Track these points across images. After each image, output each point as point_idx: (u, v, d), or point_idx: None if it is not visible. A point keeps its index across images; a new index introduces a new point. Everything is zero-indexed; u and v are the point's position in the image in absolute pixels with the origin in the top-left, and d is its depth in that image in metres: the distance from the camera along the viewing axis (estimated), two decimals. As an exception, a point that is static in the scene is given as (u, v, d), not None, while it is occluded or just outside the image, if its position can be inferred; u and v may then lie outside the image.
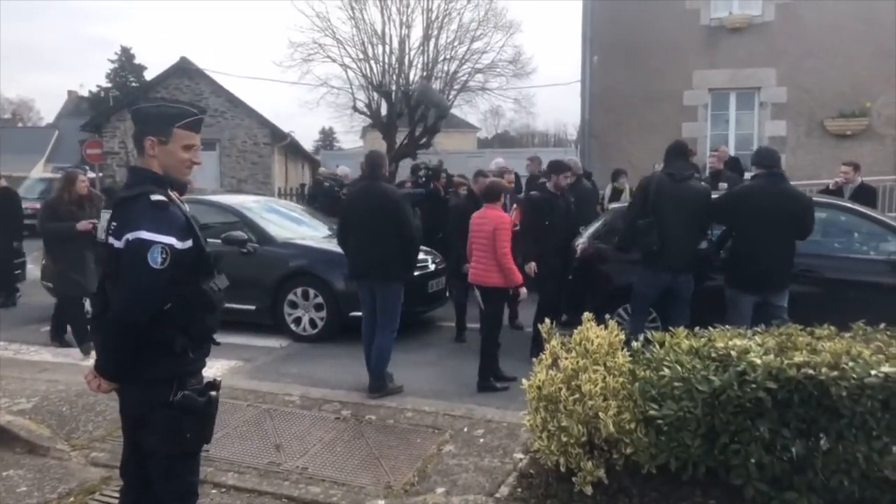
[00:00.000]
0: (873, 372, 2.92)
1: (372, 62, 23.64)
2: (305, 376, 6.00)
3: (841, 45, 13.36)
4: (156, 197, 2.35)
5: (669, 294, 5.59)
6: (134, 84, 40.33)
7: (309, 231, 8.45)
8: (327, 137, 51.20)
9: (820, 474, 2.96)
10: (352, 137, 37.37)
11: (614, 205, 8.44)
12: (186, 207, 2.53)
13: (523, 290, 5.65)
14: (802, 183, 12.33)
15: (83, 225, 6.41)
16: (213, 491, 3.78)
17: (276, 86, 75.11)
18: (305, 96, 70.21)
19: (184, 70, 22.74)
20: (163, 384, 2.40)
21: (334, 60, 24.11)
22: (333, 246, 6.96)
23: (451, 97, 24.48)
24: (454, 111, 27.73)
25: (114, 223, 2.38)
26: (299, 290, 7.35)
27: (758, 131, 14.42)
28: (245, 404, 5.01)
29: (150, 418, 2.40)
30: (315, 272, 7.31)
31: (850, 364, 3.02)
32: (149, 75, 36.53)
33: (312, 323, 7.33)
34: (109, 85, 42.68)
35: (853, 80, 13.40)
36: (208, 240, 2.65)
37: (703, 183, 5.90)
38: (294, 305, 7.39)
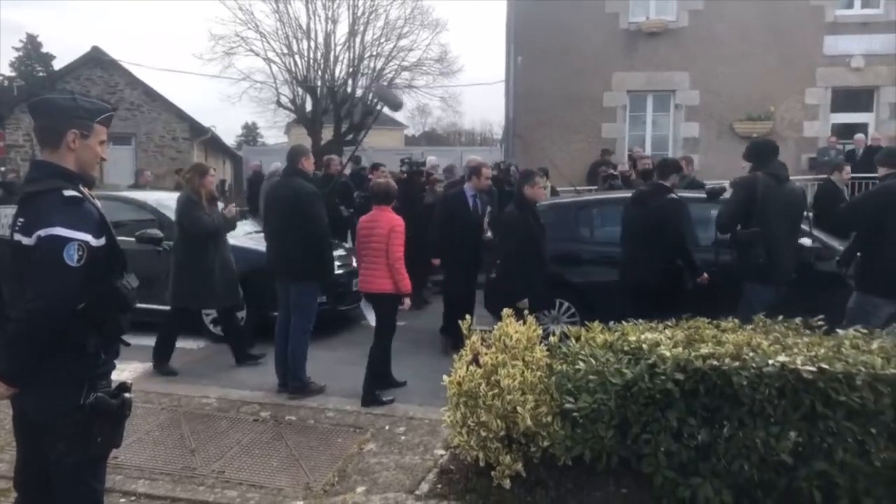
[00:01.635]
0: (770, 361, 3.08)
1: (297, 57, 23.27)
2: (224, 378, 5.84)
3: (748, 51, 14.06)
4: (69, 192, 2.27)
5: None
6: (41, 74, 38.17)
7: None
8: (250, 132, 49.93)
9: (723, 460, 3.10)
10: (275, 133, 36.57)
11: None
12: (98, 203, 2.43)
13: (407, 301, 5.31)
14: (714, 182, 12.91)
15: None
16: (122, 500, 3.62)
17: (197, 79, 72.77)
18: (227, 90, 68.27)
19: (96, 60, 21.69)
20: (73, 387, 2.31)
21: (257, 54, 23.61)
22: (256, 244, 6.80)
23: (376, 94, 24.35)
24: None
25: (21, 219, 2.27)
26: (217, 290, 7.13)
27: (673, 133, 15.00)
28: (159, 408, 4.84)
29: (57, 423, 2.31)
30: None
31: (751, 354, 3.18)
32: (57, 65, 34.65)
33: (231, 323, 7.12)
34: (13, 74, 40.23)
35: (759, 85, 14.12)
36: (122, 238, 2.57)
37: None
38: (212, 305, 7.16)
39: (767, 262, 4.93)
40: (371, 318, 5.41)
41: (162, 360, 5.99)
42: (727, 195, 6.29)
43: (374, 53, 23.90)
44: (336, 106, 23.07)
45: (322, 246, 5.29)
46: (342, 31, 24.42)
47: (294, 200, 5.19)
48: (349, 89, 23.70)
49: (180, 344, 6.91)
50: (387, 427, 4.52)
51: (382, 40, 23.89)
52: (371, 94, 22.37)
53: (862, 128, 14.02)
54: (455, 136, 49.97)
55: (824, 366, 3.01)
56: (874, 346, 3.23)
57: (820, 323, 3.70)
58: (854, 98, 14.47)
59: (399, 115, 37.52)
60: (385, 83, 22.13)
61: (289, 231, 5.18)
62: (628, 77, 14.86)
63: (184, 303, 6.04)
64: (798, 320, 3.78)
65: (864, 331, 3.51)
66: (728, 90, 14.28)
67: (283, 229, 5.22)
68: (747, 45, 14.06)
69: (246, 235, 7.86)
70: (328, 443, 4.32)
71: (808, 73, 14.22)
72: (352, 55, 23.36)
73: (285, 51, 23.21)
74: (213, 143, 24.94)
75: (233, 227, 6.30)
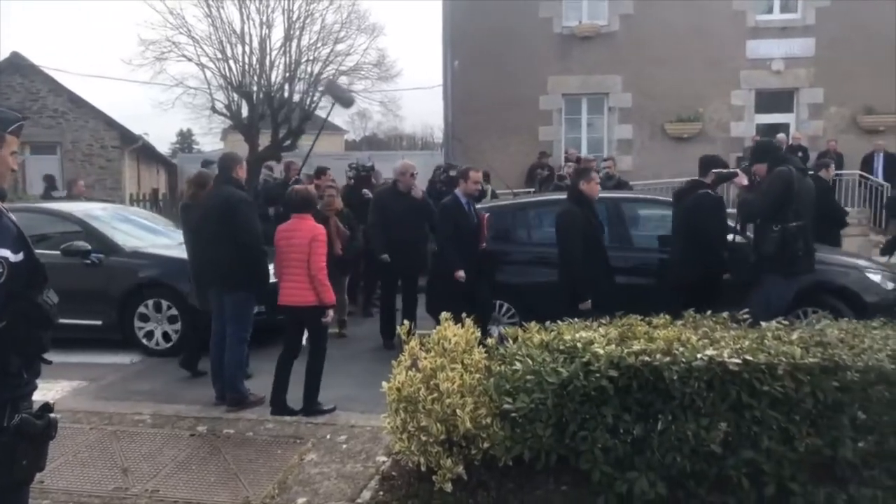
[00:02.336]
0: (699, 356, 3.17)
1: (231, 62, 22.80)
2: (159, 393, 5.67)
3: (677, 54, 14.52)
4: None
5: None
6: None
7: (164, 240, 7.98)
8: (185, 140, 48.66)
9: (656, 453, 3.18)
10: (211, 139, 35.71)
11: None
12: (13, 216, 2.32)
13: (330, 312, 5.10)
14: (648, 182, 13.33)
15: None
16: (49, 525, 3.47)
17: (127, 86, 70.25)
18: (160, 97, 66.25)
19: (16, 66, 20.74)
20: None
21: (190, 59, 23.02)
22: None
23: (315, 98, 24.10)
24: (319, 113, 27.32)
25: None
26: (151, 302, 6.92)
27: (607, 135, 15.36)
28: (88, 427, 4.65)
29: None
30: (168, 282, 6.91)
31: (681, 349, 3.27)
32: (-26, 71, 32.94)
33: (166, 336, 6.93)
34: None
35: (688, 87, 14.61)
36: (46, 251, 2.46)
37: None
38: (145, 318, 6.95)
39: (805, 255, 5.00)
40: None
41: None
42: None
43: (311, 58, 23.65)
44: (273, 111, 22.71)
45: (255, 255, 5.18)
46: (278, 35, 24.01)
47: (226, 209, 5.08)
48: (286, 94, 23.38)
49: (112, 359, 6.70)
50: (328, 436, 4.47)
51: (319, 45, 23.67)
52: (321, 92, 22.12)
53: (784, 128, 14.67)
54: (396, 140, 49.89)
55: (748, 357, 3.13)
56: (794, 336, 3.37)
57: (745, 316, 3.84)
58: (776, 99, 15.13)
59: (339, 120, 37.27)
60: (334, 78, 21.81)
61: (221, 240, 5.06)
62: (563, 80, 15.15)
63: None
64: (725, 314, 3.91)
65: (786, 322, 3.66)
66: (659, 92, 14.72)
67: (215, 238, 5.10)
68: (676, 48, 14.53)
69: (179, 245, 7.66)
70: (268, 455, 4.24)
71: (733, 76, 14.80)
72: (288, 60, 23.05)
73: (219, 56, 22.72)
74: (145, 152, 24.19)
75: None
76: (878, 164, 13.42)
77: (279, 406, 4.97)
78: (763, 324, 3.68)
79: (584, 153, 14.82)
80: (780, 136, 14.21)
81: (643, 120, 14.99)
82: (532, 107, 15.12)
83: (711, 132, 14.88)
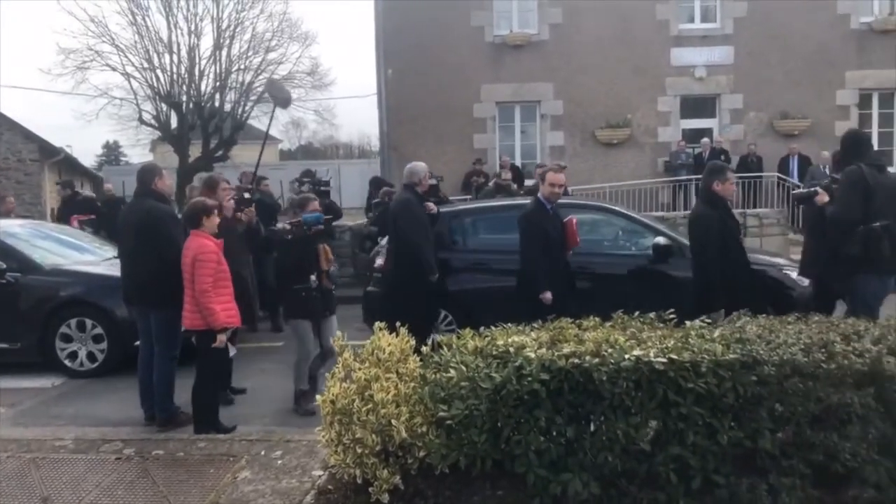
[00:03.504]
0: (627, 356, 3.24)
1: (158, 71, 22.23)
2: (83, 416, 5.44)
3: (605, 62, 14.93)
4: None
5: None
6: None
7: (88, 256, 7.68)
8: (112, 152, 46.98)
9: (589, 454, 3.23)
10: (140, 151, 34.68)
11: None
12: None
13: (220, 337, 4.75)
14: (581, 188, 13.61)
15: None
16: (-39, 562, 3.27)
17: (46, 96, 67.46)
18: (83, 108, 63.91)
19: (-77, 76, 19.63)
20: None
21: (114, 69, 22.32)
22: (114, 270, 6.40)
23: (247, 108, 23.70)
24: (252, 122, 26.87)
25: None
26: (74, 322, 6.64)
27: (540, 141, 15.64)
28: (5, 456, 4.41)
29: None
30: (91, 300, 6.65)
31: (609, 350, 3.34)
32: None
33: (91, 357, 6.66)
34: None
35: (617, 94, 15.04)
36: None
37: None
38: (68, 339, 6.66)
39: (891, 254, 4.84)
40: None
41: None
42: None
43: (243, 67, 23.29)
44: (203, 121, 22.23)
45: (176, 270, 4.95)
46: (207, 44, 23.70)
47: (147, 223, 4.92)
48: (217, 104, 22.90)
49: (31, 383, 6.40)
50: (262, 452, 4.37)
51: (250, 53, 23.34)
52: (262, 90, 21.82)
53: (707, 132, 15.27)
54: (332, 149, 49.49)
55: (673, 356, 3.21)
56: (716, 334, 3.49)
57: (671, 316, 3.95)
58: (700, 105, 15.73)
59: (274, 130, 36.67)
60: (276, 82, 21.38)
61: (143, 255, 4.90)
62: (496, 89, 15.36)
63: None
64: (652, 315, 4.02)
65: (709, 321, 3.79)
66: (588, 100, 15.09)
67: (136, 254, 4.93)
68: (604, 56, 14.93)
69: (105, 262, 7.40)
70: (200, 474, 4.11)
71: (659, 83, 15.31)
72: (218, 69, 22.63)
73: (146, 65, 22.12)
74: (67, 164, 23.25)
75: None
76: (794, 166, 14.10)
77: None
78: (688, 323, 3.79)
79: (518, 160, 15.06)
80: (704, 140, 14.79)
81: (574, 127, 15.33)
82: (466, 115, 15.26)
83: (640, 138, 15.34)
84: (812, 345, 3.35)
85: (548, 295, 5.33)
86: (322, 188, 8.04)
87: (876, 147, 15.53)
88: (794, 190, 6.32)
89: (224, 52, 22.64)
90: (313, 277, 5.41)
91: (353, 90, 66.61)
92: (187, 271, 4.72)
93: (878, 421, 3.20)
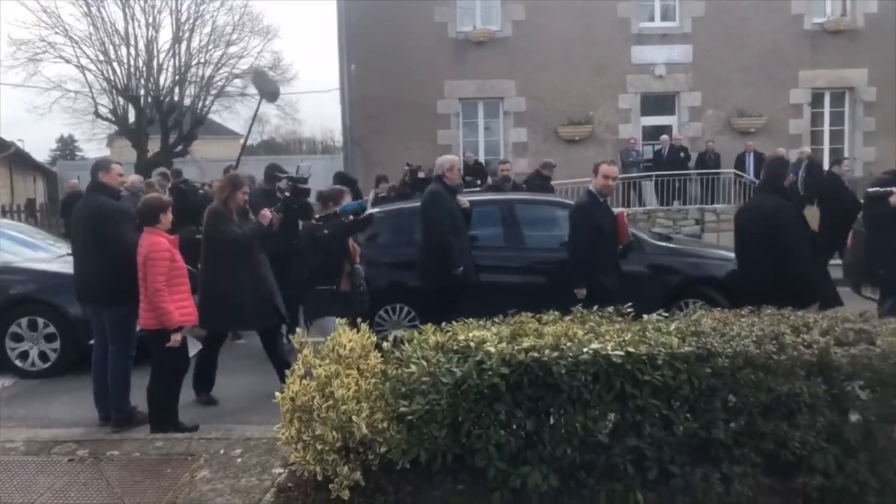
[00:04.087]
0: (585, 349, 3.29)
1: (115, 64, 21.72)
2: (35, 417, 5.31)
3: (567, 60, 15.05)
4: None
5: None
6: None
7: (41, 253, 7.47)
8: (67, 146, 45.74)
9: (548, 446, 3.27)
10: (96, 146, 33.86)
11: (375, 209, 8.64)
12: None
13: (175, 336, 4.66)
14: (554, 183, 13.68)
15: None
16: None
17: (-3, 89, 65.27)
18: (35, 100, 61.99)
19: None
20: None
21: (68, 61, 21.74)
22: (67, 268, 6.24)
23: (207, 102, 23.30)
24: (213, 117, 26.45)
25: None
26: (24, 321, 6.45)
27: (503, 138, 15.71)
28: (-48, 460, 4.27)
29: None
30: (43, 298, 6.46)
31: (568, 344, 3.38)
32: None
33: (43, 356, 6.47)
34: None
35: (579, 91, 15.19)
36: None
37: None
38: (18, 338, 6.47)
39: None
40: (192, 348, 5.01)
41: (202, 391, 5.64)
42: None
43: (203, 61, 22.92)
44: (162, 116, 21.79)
45: (129, 267, 4.79)
46: (165, 37, 23.31)
47: (94, 218, 4.80)
48: (176, 98, 22.46)
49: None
50: (222, 451, 4.31)
51: (210, 47, 22.99)
52: (246, 82, 21.42)
53: (667, 130, 15.52)
54: (295, 144, 48.94)
55: (631, 349, 3.27)
56: (672, 327, 3.56)
57: (629, 310, 4.01)
58: (660, 103, 15.98)
59: (235, 125, 36.15)
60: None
61: (93, 252, 4.78)
62: (459, 85, 15.38)
63: (213, 325, 5.29)
64: (611, 309, 4.07)
65: (665, 314, 3.85)
66: (551, 97, 15.21)
67: (87, 250, 4.81)
68: (566, 54, 15.05)
69: (59, 259, 7.21)
70: (157, 474, 4.04)
71: (620, 81, 15.51)
72: (177, 62, 22.21)
73: (101, 58, 21.60)
74: (18, 159, 22.57)
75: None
76: (750, 162, 14.42)
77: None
78: (645, 316, 3.85)
79: (481, 156, 15.11)
80: (664, 137, 15.03)
81: (537, 123, 15.44)
82: (430, 111, 15.25)
83: (601, 134, 15.52)
84: (764, 337, 3.44)
85: (583, 291, 5.36)
86: (301, 185, 7.21)
87: (827, 145, 16.07)
88: (868, 189, 6.39)
89: (183, 46, 22.27)
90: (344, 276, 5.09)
91: (316, 85, 65.98)
92: (141, 269, 4.64)
93: (826, 410, 3.29)
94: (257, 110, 10.33)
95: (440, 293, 5.74)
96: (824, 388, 3.30)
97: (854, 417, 3.36)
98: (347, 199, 5.31)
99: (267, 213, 5.38)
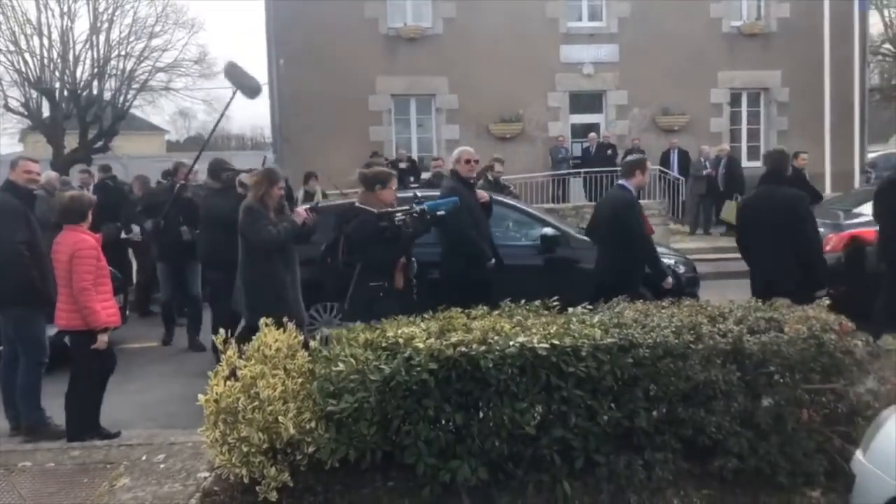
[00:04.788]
0: (512, 343, 3.33)
1: (27, 55, 20.57)
2: (-62, 428, 4.97)
3: (498, 58, 15.18)
4: None
5: None
6: None
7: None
8: (-25, 142, 43.17)
9: (477, 440, 3.30)
10: (8, 141, 31.98)
11: (307, 206, 8.50)
12: None
13: (102, 338, 4.53)
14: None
15: None
16: None
17: None
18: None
19: None
20: None
21: (-27, 51, 20.45)
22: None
23: (128, 97, 22.42)
24: (135, 111, 25.48)
25: None
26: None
27: (436, 135, 15.74)
28: None
29: None
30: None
31: (495, 338, 3.41)
32: None
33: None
34: None
35: (510, 89, 15.34)
36: None
37: None
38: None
39: None
40: None
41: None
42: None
43: (124, 53, 21.98)
44: (80, 110, 20.79)
45: (18, 268, 4.59)
46: (82, 27, 22.17)
47: None
48: (95, 91, 21.50)
49: None
50: (144, 457, 4.16)
51: (132, 39, 22.07)
52: (170, 75, 20.45)
53: (595, 127, 15.87)
54: (224, 140, 47.70)
55: (555, 342, 3.33)
56: (595, 319, 3.65)
57: (555, 303, 4.08)
58: (588, 101, 16.33)
59: (158, 119, 34.96)
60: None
61: None
62: (391, 81, 15.30)
63: (262, 315, 4.60)
64: (538, 303, 4.13)
65: (590, 307, 3.94)
66: (482, 94, 15.31)
67: None
68: (496, 52, 15.18)
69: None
70: (73, 485, 3.86)
71: (549, 79, 15.76)
72: (96, 55, 21.22)
73: (11, 48, 20.42)
74: (-81, 155, 21.15)
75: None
76: (674, 159, 14.92)
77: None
78: (570, 309, 3.93)
79: (414, 153, 15.10)
80: (592, 135, 15.37)
81: (469, 121, 15.52)
82: (362, 107, 15.11)
83: (532, 132, 15.74)
84: (682, 327, 3.56)
85: (669, 280, 5.48)
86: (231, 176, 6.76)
87: (745, 143, 16.79)
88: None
89: (102, 37, 21.28)
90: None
91: (245, 80, 64.24)
92: (63, 268, 4.47)
93: (740, 396, 3.45)
94: (227, 106, 8.76)
95: (463, 289, 5.28)
96: (738, 375, 3.45)
97: (766, 402, 3.54)
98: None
99: (301, 212, 5.12)
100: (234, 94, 7.60)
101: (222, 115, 9.40)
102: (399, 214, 4.59)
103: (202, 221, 6.69)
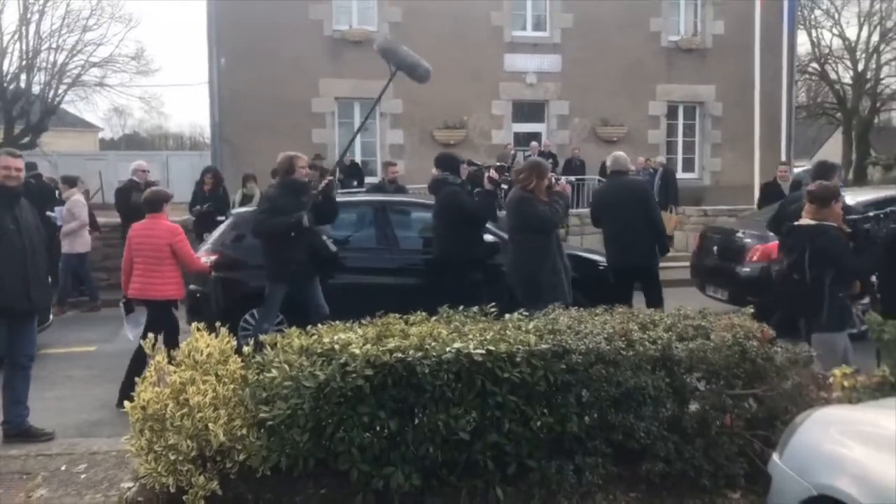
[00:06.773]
0: (448, 349, 3.34)
1: (-51, 45, 19.59)
2: None
3: (443, 64, 15.11)
4: None
5: None
6: None
7: None
8: None
9: (411, 446, 3.29)
10: (-72, 134, 30.31)
11: (241, 209, 8.37)
12: None
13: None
14: (419, 186, 13.81)
15: None
16: None
17: None
18: None
19: None
20: None
21: None
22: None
23: (59, 92, 21.57)
24: (66, 107, 24.54)
25: None
26: None
27: (380, 139, 15.68)
28: None
29: None
30: None
31: (432, 344, 3.42)
32: None
33: None
34: None
35: (454, 96, 15.40)
36: None
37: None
38: None
39: None
40: (131, 333, 5.41)
41: None
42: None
43: (55, 46, 21.18)
44: (6, 104, 19.90)
45: None
46: (11, 18, 21.30)
47: None
48: (23, 85, 20.61)
49: None
50: (63, 467, 3.99)
51: (64, 31, 21.29)
52: (105, 70, 19.66)
53: (537, 136, 16.09)
54: (161, 139, 46.41)
55: (491, 347, 3.36)
56: (531, 326, 3.69)
57: (492, 310, 4.12)
58: (530, 110, 16.56)
59: (93, 116, 33.73)
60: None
61: None
62: (335, 84, 15.17)
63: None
64: (475, 309, 4.16)
65: (526, 313, 3.99)
66: (427, 100, 15.30)
67: None
68: (441, 58, 15.16)
69: None
70: (-14, 497, 3.68)
71: (493, 87, 15.91)
72: (24, 47, 20.39)
73: (-68, 36, 19.40)
74: None
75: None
76: (613, 170, 15.23)
77: None
78: (507, 315, 3.97)
79: (358, 157, 14.99)
80: (533, 143, 15.58)
81: (413, 126, 15.52)
82: (304, 109, 14.93)
83: (475, 139, 15.87)
84: (614, 334, 3.65)
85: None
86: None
87: (680, 155, 17.32)
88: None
89: (32, 29, 20.45)
90: None
91: (184, 78, 62.73)
92: (155, 250, 5.24)
93: (668, 401, 3.55)
94: (384, 90, 7.44)
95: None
96: (667, 381, 3.55)
97: (693, 407, 3.65)
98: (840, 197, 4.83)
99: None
100: (394, 73, 6.98)
101: (381, 94, 7.67)
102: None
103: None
